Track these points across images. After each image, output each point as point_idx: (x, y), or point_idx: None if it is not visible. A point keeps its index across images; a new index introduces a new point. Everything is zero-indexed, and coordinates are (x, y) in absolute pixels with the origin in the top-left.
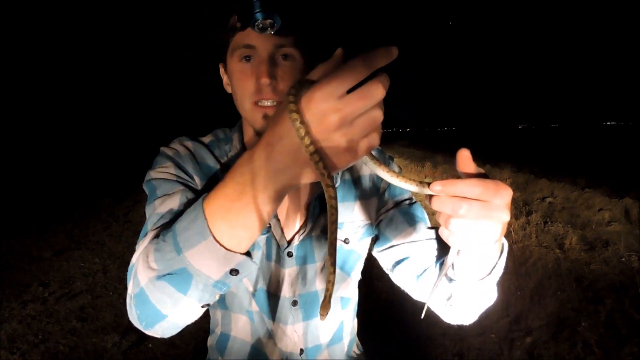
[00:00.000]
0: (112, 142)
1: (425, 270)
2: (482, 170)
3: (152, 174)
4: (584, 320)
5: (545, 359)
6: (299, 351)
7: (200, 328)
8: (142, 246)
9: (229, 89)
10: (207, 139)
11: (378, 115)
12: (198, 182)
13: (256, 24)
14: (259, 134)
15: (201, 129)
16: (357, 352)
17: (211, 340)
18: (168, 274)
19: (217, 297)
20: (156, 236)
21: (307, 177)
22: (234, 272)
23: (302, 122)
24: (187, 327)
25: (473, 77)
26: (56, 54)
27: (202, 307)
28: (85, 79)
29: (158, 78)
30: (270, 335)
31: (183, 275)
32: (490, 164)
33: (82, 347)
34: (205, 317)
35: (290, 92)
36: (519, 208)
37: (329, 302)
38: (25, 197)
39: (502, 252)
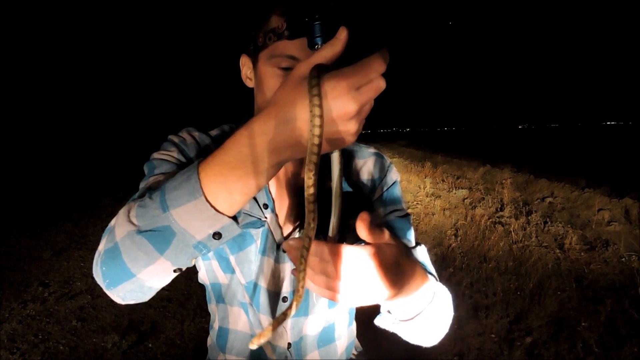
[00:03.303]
0: (112, 142)
1: None
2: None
3: (155, 155)
4: (584, 320)
5: (545, 359)
6: (286, 345)
7: (201, 328)
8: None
9: (249, 83)
10: (214, 132)
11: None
12: None
13: (315, 47)
14: None
15: (204, 128)
16: (356, 352)
17: (211, 338)
18: (150, 231)
19: (192, 262)
20: (141, 196)
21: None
22: (216, 235)
23: (321, 112)
24: (187, 327)
25: (473, 77)
26: (56, 54)
27: (174, 271)
28: (85, 79)
29: (158, 79)
30: (261, 327)
31: (165, 234)
32: (490, 164)
33: (82, 347)
34: (205, 317)
35: (312, 79)
36: (519, 208)
37: (295, 307)
38: (26, 197)
39: (431, 301)
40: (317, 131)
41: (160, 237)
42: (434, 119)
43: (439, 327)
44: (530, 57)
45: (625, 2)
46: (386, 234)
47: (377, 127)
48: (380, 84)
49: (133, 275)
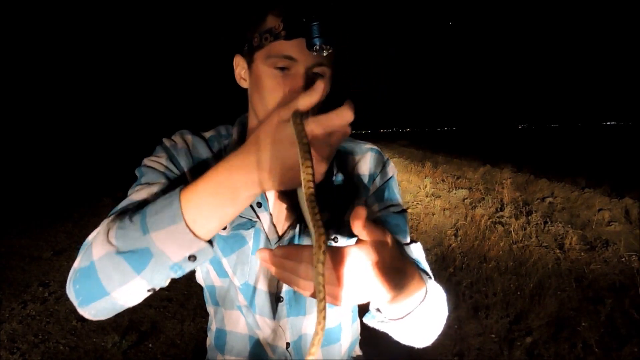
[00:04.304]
0: (112, 142)
1: None
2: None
3: (146, 161)
4: (584, 320)
5: (545, 359)
6: (285, 345)
7: (200, 328)
8: (104, 225)
9: (243, 84)
10: (208, 134)
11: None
12: (188, 174)
13: (314, 47)
14: None
15: (201, 128)
16: (358, 352)
17: (209, 339)
18: (129, 252)
19: (166, 283)
20: (120, 216)
21: (290, 185)
22: (192, 257)
23: (302, 121)
24: (187, 327)
25: (473, 77)
26: (56, 54)
27: (148, 290)
28: (85, 79)
29: (158, 78)
30: (259, 328)
31: (143, 255)
32: (490, 164)
33: (82, 347)
34: (205, 317)
35: (295, 119)
36: (519, 208)
37: (317, 346)
38: (26, 197)
39: (423, 300)
40: (303, 133)
41: (137, 258)
42: (434, 119)
43: (430, 327)
44: (530, 57)
45: (625, 2)
46: (382, 231)
47: (377, 127)
48: (348, 132)
49: (107, 294)
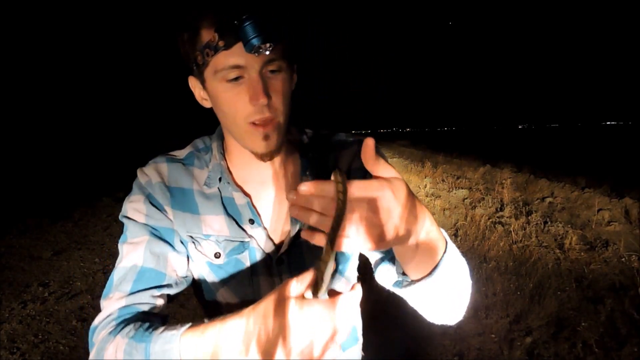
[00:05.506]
0: (112, 141)
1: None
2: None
3: (126, 207)
4: (584, 320)
5: (545, 359)
6: None
7: None
8: (109, 308)
9: (206, 104)
10: (184, 153)
11: None
12: (169, 210)
13: (253, 49)
14: (256, 154)
15: (199, 128)
16: (362, 353)
17: None
18: None
19: None
20: (127, 323)
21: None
22: None
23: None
24: None
25: (473, 77)
26: (56, 54)
27: None
28: (85, 79)
29: (158, 78)
30: None
31: None
32: (490, 164)
33: (82, 347)
34: (206, 317)
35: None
36: (519, 208)
37: (322, 281)
38: (25, 197)
39: (445, 251)
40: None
41: None
42: (434, 119)
43: (456, 294)
44: (530, 57)
45: (625, 2)
46: (391, 167)
47: (377, 127)
48: None
49: None
